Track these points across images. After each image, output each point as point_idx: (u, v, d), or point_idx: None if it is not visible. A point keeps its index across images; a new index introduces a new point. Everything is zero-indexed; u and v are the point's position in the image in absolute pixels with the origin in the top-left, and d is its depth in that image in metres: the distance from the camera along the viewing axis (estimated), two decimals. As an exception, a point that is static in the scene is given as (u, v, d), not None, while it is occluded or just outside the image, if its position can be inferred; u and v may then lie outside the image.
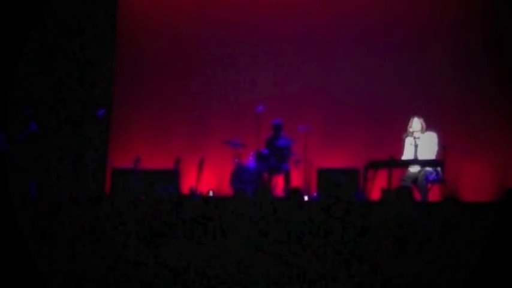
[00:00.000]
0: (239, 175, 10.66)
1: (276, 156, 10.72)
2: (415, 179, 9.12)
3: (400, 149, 9.45)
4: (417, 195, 8.96)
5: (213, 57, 12.22)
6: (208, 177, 11.28)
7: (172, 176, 10.43)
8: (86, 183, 11.05)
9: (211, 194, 10.93)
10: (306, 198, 9.44)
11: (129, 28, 12.40)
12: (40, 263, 5.81)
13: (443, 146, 9.32)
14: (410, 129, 9.31)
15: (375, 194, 8.75)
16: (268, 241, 5.79)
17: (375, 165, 9.13)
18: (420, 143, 9.27)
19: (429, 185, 9.10)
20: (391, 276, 5.24)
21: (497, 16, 11.03)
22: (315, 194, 9.95)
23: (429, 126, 9.43)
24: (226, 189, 10.69)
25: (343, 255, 5.53)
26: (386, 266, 5.33)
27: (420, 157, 9.22)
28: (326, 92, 11.79)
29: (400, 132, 9.46)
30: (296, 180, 10.84)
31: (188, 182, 10.86)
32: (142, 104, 12.19)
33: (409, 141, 9.34)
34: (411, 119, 9.35)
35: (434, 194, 9.10)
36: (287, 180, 10.78)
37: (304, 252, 5.64)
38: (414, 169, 9.18)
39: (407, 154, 9.35)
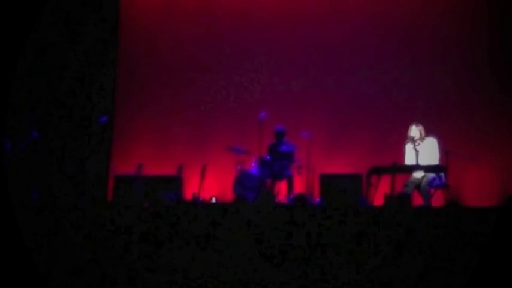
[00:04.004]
0: (242, 181, 10.81)
1: (278, 163, 10.86)
2: (418, 184, 9.37)
3: (403, 154, 9.67)
4: (420, 201, 9.29)
5: (215, 62, 12.34)
6: (211, 184, 11.43)
7: (175, 182, 10.27)
8: (88, 191, 11.25)
9: (214, 200, 11.06)
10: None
11: (131, 34, 12.53)
12: (42, 268, 6.24)
13: (446, 152, 9.56)
14: (410, 136, 9.59)
15: (378, 200, 8.87)
16: (269, 247, 6.14)
17: (378, 170, 9.30)
18: (421, 149, 9.54)
19: (432, 190, 9.35)
20: (391, 280, 5.56)
21: (501, 21, 11.26)
22: (317, 200, 10.00)
23: (432, 131, 9.68)
24: (229, 196, 10.81)
25: (344, 260, 5.90)
26: (385, 270, 5.68)
27: (422, 163, 9.46)
28: (329, 98, 11.95)
29: (404, 137, 9.70)
30: (299, 187, 11.01)
31: (191, 189, 11.00)
32: (144, 111, 12.32)
33: (409, 147, 9.63)
34: (410, 127, 9.63)
35: (438, 199, 9.31)
36: (290, 186, 10.94)
37: (306, 257, 6.01)
38: (418, 174, 9.42)
39: (408, 160, 9.61)
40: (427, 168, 9.37)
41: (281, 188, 11.09)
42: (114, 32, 12.39)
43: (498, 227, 6.03)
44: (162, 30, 12.56)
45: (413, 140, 9.60)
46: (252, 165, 11.07)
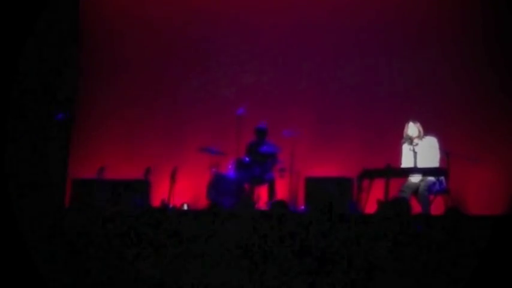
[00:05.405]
0: (217, 186, 10.53)
1: (258, 165, 10.60)
2: (415, 189, 9.06)
3: (398, 155, 9.41)
4: (418, 208, 8.94)
5: (188, 56, 12.21)
6: (182, 189, 11.16)
7: (142, 186, 10.28)
8: (44, 195, 10.80)
9: (185, 207, 10.82)
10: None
11: (95, 29, 12.44)
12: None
13: (447, 153, 9.18)
14: (408, 135, 9.30)
15: (370, 206, 8.56)
16: (245, 257, 5.86)
17: (370, 174, 9.03)
18: (419, 149, 9.27)
19: (432, 196, 9.06)
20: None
21: (499, 16, 11.05)
22: (302, 207, 9.88)
23: (432, 131, 9.43)
24: (203, 202, 10.53)
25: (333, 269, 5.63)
26: (383, 280, 5.43)
27: (421, 165, 9.19)
28: (316, 93, 11.78)
29: (398, 137, 9.41)
30: (281, 192, 10.74)
31: (160, 194, 10.78)
32: (109, 108, 12.16)
33: (407, 148, 9.32)
34: (406, 124, 9.35)
35: (438, 206, 9.01)
36: (271, 191, 10.65)
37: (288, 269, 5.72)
38: (415, 178, 9.11)
39: (406, 162, 9.31)
40: (426, 172, 9.08)
41: (262, 193, 10.81)
42: (76, 22, 12.31)
43: (504, 236, 5.80)
44: (129, 25, 12.43)
45: (410, 139, 9.28)
46: (228, 168, 10.78)
